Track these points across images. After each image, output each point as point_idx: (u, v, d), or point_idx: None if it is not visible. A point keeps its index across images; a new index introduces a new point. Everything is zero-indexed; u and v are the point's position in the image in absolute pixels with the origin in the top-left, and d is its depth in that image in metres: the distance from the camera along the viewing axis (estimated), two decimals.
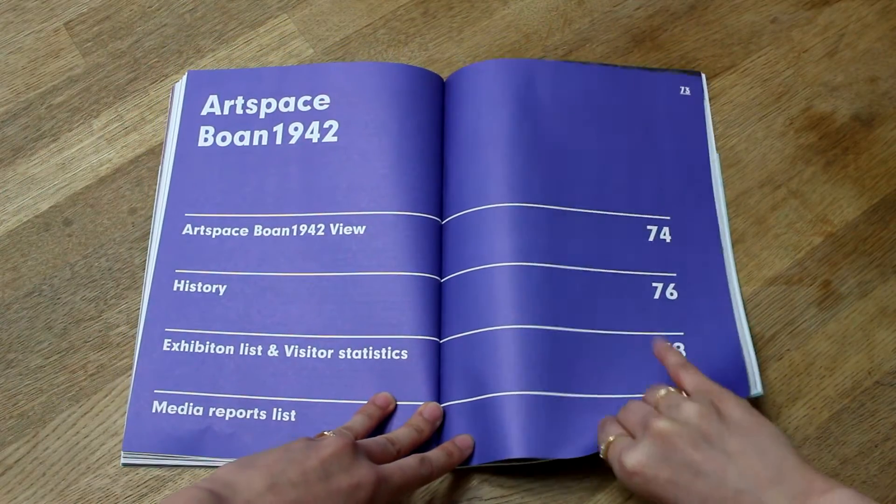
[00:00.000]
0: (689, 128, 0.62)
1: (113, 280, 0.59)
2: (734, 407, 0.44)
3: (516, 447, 0.50)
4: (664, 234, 0.58)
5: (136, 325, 0.57)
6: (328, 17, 0.68)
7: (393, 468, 0.46)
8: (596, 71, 0.63)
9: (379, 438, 0.49)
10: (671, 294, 0.56)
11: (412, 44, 0.66)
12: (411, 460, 0.47)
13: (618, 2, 0.68)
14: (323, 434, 0.47)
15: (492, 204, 0.57)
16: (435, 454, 0.49)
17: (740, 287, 0.57)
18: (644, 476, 0.43)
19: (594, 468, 0.52)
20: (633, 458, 0.43)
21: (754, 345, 0.55)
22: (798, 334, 0.56)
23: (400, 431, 0.50)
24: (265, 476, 0.42)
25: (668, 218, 0.58)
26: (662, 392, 0.46)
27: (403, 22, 0.67)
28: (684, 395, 0.46)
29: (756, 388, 0.53)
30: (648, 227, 0.58)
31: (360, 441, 0.47)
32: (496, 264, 0.55)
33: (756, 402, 0.53)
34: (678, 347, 0.54)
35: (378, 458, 0.47)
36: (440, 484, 0.52)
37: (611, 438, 0.46)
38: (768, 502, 0.39)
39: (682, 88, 0.63)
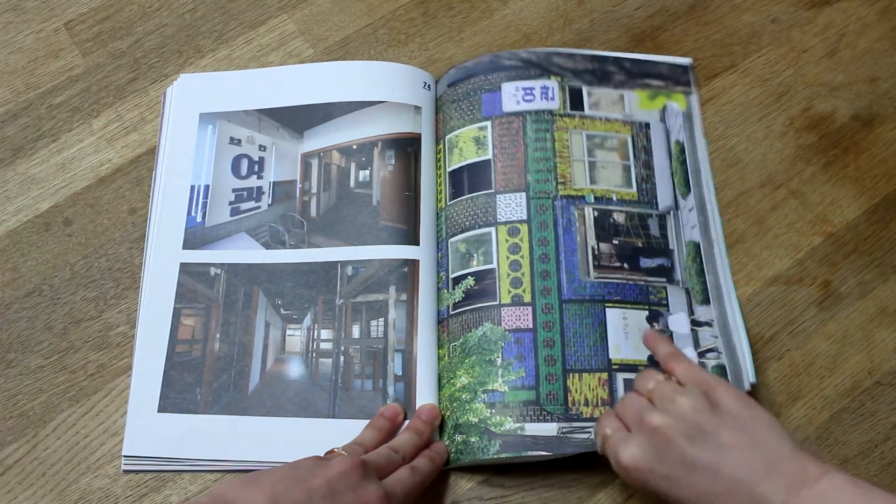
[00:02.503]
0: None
1: (113, 280, 0.58)
2: (728, 397, 0.43)
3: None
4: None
5: (135, 325, 0.57)
6: (328, 17, 0.68)
7: (394, 483, 0.46)
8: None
9: (382, 450, 0.49)
10: None
11: (412, 44, 0.66)
12: (405, 471, 0.48)
13: (618, 2, 0.68)
14: (333, 451, 0.48)
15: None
16: (420, 462, 0.49)
17: (733, 280, 0.57)
18: (640, 471, 0.43)
19: (594, 468, 0.52)
20: (628, 453, 0.43)
21: (749, 340, 0.55)
22: (798, 334, 0.56)
23: (401, 438, 0.50)
24: (268, 494, 0.42)
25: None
26: (651, 385, 0.45)
27: (403, 22, 0.67)
28: (675, 383, 0.45)
29: (750, 378, 0.52)
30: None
31: (366, 457, 0.47)
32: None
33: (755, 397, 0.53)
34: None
35: (385, 470, 0.47)
36: (440, 484, 0.52)
37: (607, 431, 0.46)
38: (763, 493, 0.40)
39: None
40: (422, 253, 0.58)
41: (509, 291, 0.55)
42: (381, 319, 0.56)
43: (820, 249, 0.59)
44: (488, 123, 0.60)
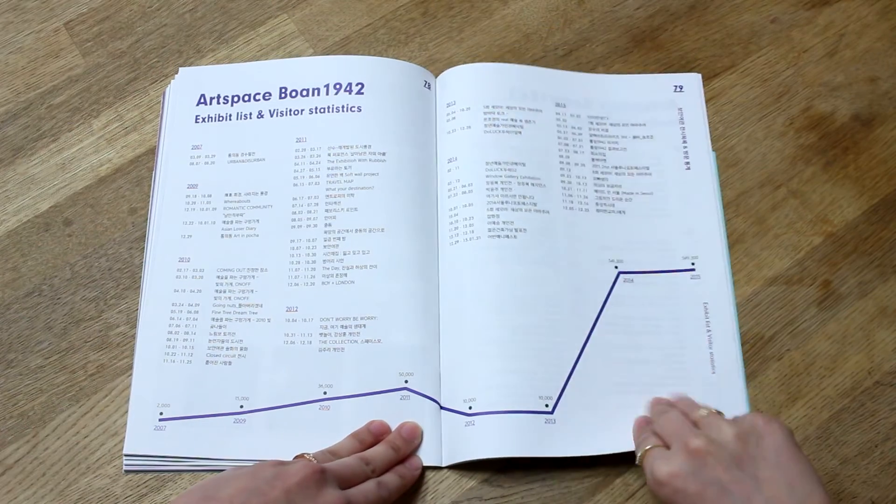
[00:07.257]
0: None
1: (113, 280, 0.59)
2: (774, 437, 0.44)
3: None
4: None
5: (135, 325, 0.57)
6: (328, 17, 0.68)
7: (357, 494, 0.46)
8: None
9: (351, 460, 0.48)
10: None
11: (412, 44, 0.66)
12: (371, 484, 0.48)
13: (618, 2, 0.68)
14: (303, 456, 0.48)
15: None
16: (388, 477, 0.49)
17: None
18: (673, 487, 0.44)
19: (594, 468, 0.52)
20: (666, 468, 0.44)
21: (749, 341, 0.55)
22: (798, 334, 0.56)
23: (376, 450, 0.50)
24: None
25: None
26: (704, 412, 0.47)
27: (403, 22, 0.67)
28: (724, 417, 0.47)
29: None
30: None
31: (330, 465, 0.47)
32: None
33: (755, 398, 0.54)
34: None
35: (350, 481, 0.47)
36: (440, 484, 0.52)
37: (647, 447, 0.47)
38: None
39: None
40: None
41: None
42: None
43: (820, 249, 0.59)
44: None
